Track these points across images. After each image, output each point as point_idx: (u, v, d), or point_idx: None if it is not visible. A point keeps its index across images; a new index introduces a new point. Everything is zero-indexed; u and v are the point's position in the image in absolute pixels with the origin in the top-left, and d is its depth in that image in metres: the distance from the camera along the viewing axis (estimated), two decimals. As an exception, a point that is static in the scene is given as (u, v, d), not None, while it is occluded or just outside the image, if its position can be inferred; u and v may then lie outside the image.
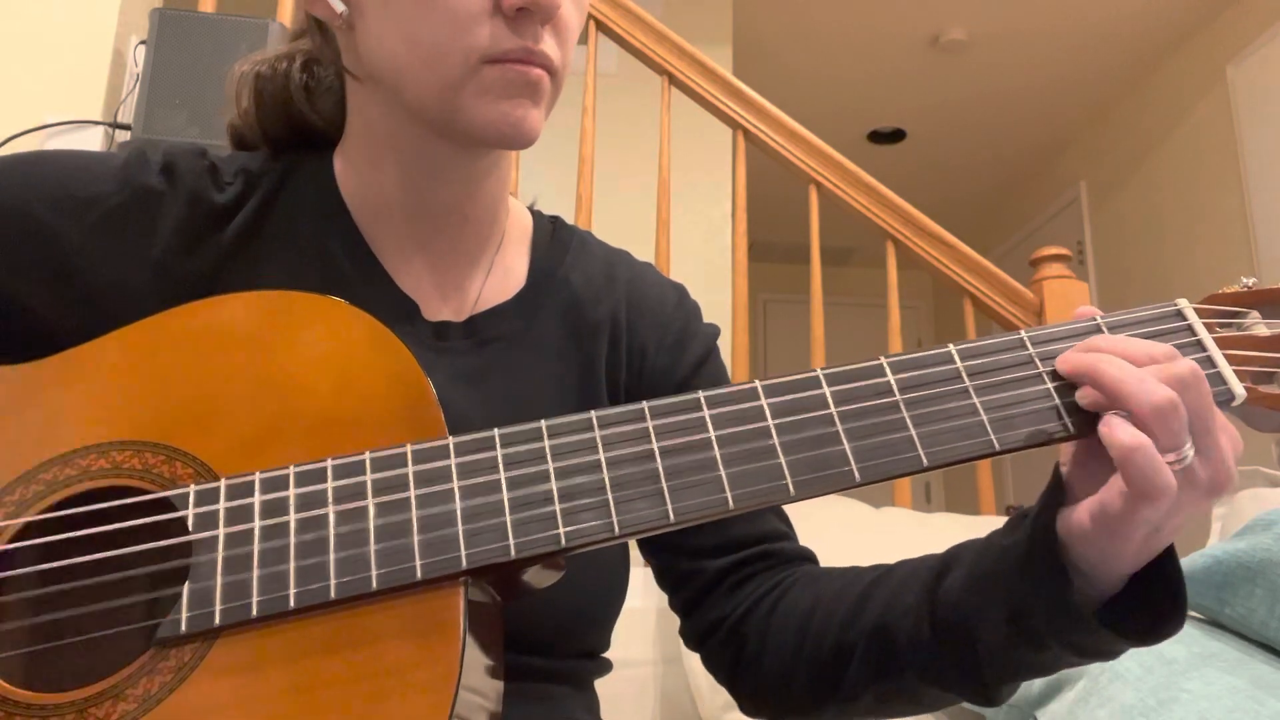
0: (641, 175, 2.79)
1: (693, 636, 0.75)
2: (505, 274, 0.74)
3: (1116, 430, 0.49)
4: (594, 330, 0.74)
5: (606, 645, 0.75)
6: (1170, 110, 4.26)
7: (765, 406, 0.54)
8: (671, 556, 0.75)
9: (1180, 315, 0.56)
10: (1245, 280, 0.58)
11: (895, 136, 4.96)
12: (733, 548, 0.73)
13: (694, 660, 1.30)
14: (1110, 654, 0.54)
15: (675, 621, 1.42)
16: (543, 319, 0.73)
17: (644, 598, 1.41)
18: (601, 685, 0.76)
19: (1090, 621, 0.52)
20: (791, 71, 4.39)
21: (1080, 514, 0.52)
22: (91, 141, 2.02)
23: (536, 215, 0.80)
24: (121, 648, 0.51)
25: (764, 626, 0.69)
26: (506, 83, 0.62)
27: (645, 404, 0.54)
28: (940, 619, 0.59)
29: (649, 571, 1.19)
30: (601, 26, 2.21)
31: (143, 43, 1.99)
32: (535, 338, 0.72)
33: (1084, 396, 0.52)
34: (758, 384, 0.54)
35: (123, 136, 2.03)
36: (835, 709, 0.66)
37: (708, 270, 3.19)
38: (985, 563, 0.57)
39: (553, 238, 0.78)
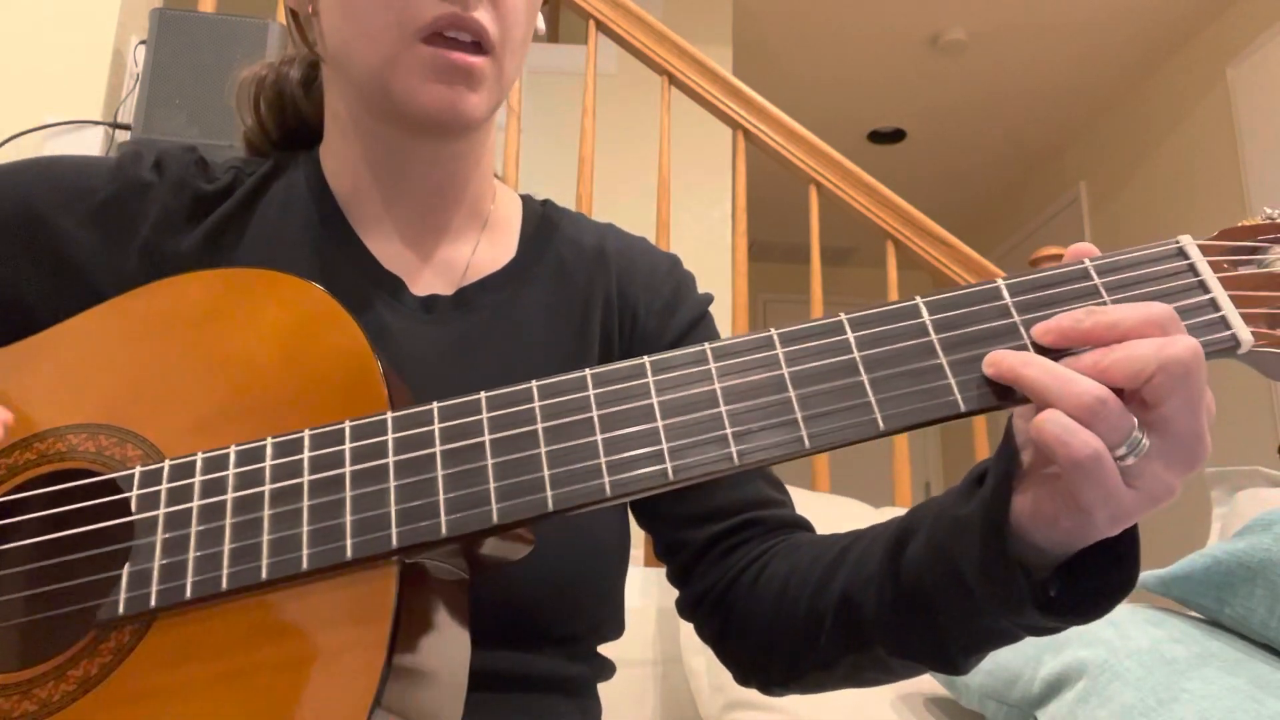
0: (641, 175, 2.79)
1: (685, 606, 0.75)
2: (494, 249, 0.75)
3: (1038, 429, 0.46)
4: (586, 297, 0.75)
5: (614, 629, 0.73)
6: (1170, 110, 4.26)
7: (780, 355, 0.50)
8: (663, 527, 0.74)
9: (1182, 254, 0.50)
10: (1268, 210, 0.51)
11: (895, 136, 4.96)
12: (718, 516, 0.72)
13: (694, 660, 1.30)
14: (1050, 632, 0.52)
15: (675, 621, 1.42)
16: (532, 288, 0.74)
17: (644, 597, 1.41)
18: (601, 685, 0.75)
19: (1029, 605, 0.49)
20: (792, 71, 4.39)
21: (1040, 501, 0.49)
22: (91, 141, 2.02)
23: (527, 199, 0.81)
24: (73, 630, 0.51)
25: (747, 595, 0.69)
26: (438, 67, 0.63)
27: (588, 371, 0.51)
28: (902, 589, 0.57)
29: (649, 571, 1.19)
30: (601, 26, 2.21)
31: (143, 43, 1.99)
32: (525, 307, 0.73)
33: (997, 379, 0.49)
34: (773, 332, 0.51)
35: (123, 136, 2.03)
36: (812, 679, 0.66)
37: (708, 271, 3.17)
38: (940, 533, 0.55)
39: (543, 216, 0.79)
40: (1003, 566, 0.50)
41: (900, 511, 1.67)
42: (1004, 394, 0.48)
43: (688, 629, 1.34)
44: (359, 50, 0.65)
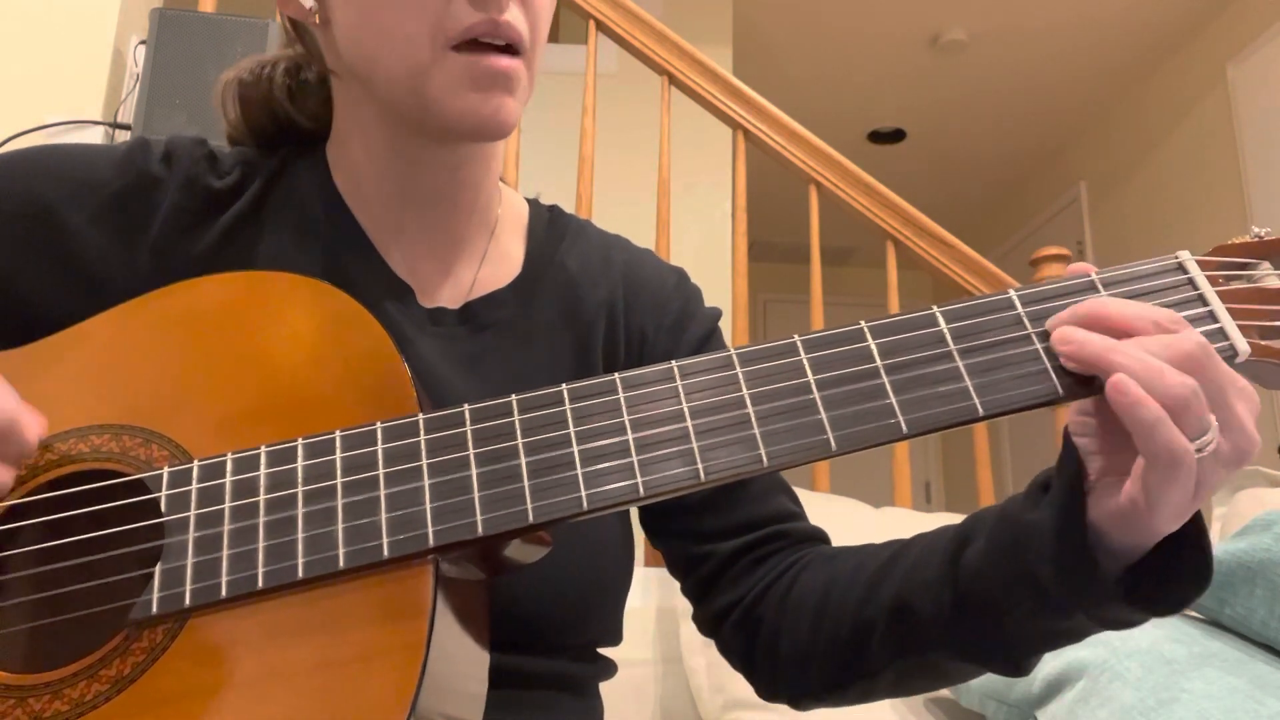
0: (641, 175, 2.79)
1: (706, 622, 0.74)
2: (501, 260, 0.75)
3: (1138, 407, 0.46)
4: (591, 314, 0.74)
5: (613, 638, 0.73)
6: (1170, 110, 4.26)
7: (805, 362, 0.52)
8: (681, 541, 0.74)
9: (1181, 269, 0.53)
10: (1256, 230, 0.55)
11: (895, 136, 4.96)
12: (743, 529, 0.72)
13: (694, 660, 1.30)
14: (1133, 624, 0.53)
15: (675, 621, 1.42)
16: (539, 304, 0.73)
17: (644, 597, 1.41)
18: (602, 685, 0.75)
19: (1117, 599, 0.51)
20: (792, 71, 4.39)
21: (1113, 503, 0.50)
22: (91, 141, 2.02)
23: (534, 204, 0.80)
24: (103, 630, 0.51)
25: (779, 608, 0.68)
26: (475, 75, 0.62)
27: (617, 375, 0.53)
28: (963, 593, 0.58)
29: (648, 571, 1.18)
30: (601, 26, 2.21)
31: (143, 42, 1.99)
32: (531, 323, 0.72)
33: (1069, 361, 0.50)
34: (797, 339, 0.53)
35: (122, 136, 2.03)
36: (856, 689, 0.65)
37: (708, 270, 3.17)
38: (1006, 536, 0.56)
39: (549, 225, 0.78)
40: (1083, 565, 0.51)
41: (900, 512, 1.67)
42: (1016, 398, 0.50)
43: (688, 629, 1.35)
44: (386, 61, 0.63)
